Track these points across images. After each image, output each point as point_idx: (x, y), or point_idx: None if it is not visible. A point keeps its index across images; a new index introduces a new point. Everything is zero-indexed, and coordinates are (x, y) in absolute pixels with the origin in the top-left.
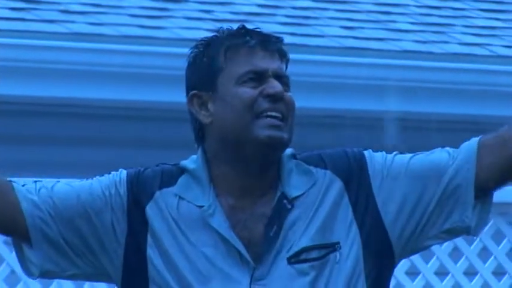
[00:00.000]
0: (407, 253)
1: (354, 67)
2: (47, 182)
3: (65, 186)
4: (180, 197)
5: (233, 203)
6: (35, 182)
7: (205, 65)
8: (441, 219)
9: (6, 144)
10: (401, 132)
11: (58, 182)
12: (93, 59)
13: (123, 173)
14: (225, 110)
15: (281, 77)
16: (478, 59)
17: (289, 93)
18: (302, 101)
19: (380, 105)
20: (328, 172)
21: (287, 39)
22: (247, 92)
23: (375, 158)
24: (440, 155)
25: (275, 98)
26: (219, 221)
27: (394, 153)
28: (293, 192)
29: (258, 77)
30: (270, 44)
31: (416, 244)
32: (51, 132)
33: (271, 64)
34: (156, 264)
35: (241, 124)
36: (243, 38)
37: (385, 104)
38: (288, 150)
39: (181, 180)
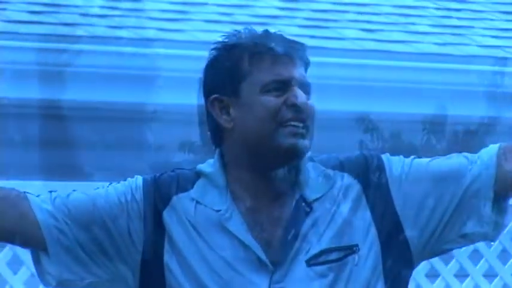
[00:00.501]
0: (426, 256)
1: (373, 69)
2: (62, 191)
3: (81, 195)
4: (197, 202)
5: (250, 207)
6: (50, 192)
7: (227, 69)
8: (459, 223)
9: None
10: (438, 135)
11: (74, 191)
12: (112, 62)
13: (139, 179)
14: (248, 116)
15: (304, 86)
16: (497, 61)
17: (310, 101)
18: (320, 104)
19: (399, 107)
20: (346, 175)
21: (306, 41)
22: (272, 100)
23: (393, 162)
24: (458, 159)
25: (299, 108)
26: (236, 225)
27: (412, 157)
28: (311, 195)
29: (282, 86)
30: (294, 51)
31: (434, 248)
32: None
33: (295, 72)
34: (173, 270)
35: (265, 132)
36: (268, 45)
37: (403, 105)
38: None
39: (198, 184)
